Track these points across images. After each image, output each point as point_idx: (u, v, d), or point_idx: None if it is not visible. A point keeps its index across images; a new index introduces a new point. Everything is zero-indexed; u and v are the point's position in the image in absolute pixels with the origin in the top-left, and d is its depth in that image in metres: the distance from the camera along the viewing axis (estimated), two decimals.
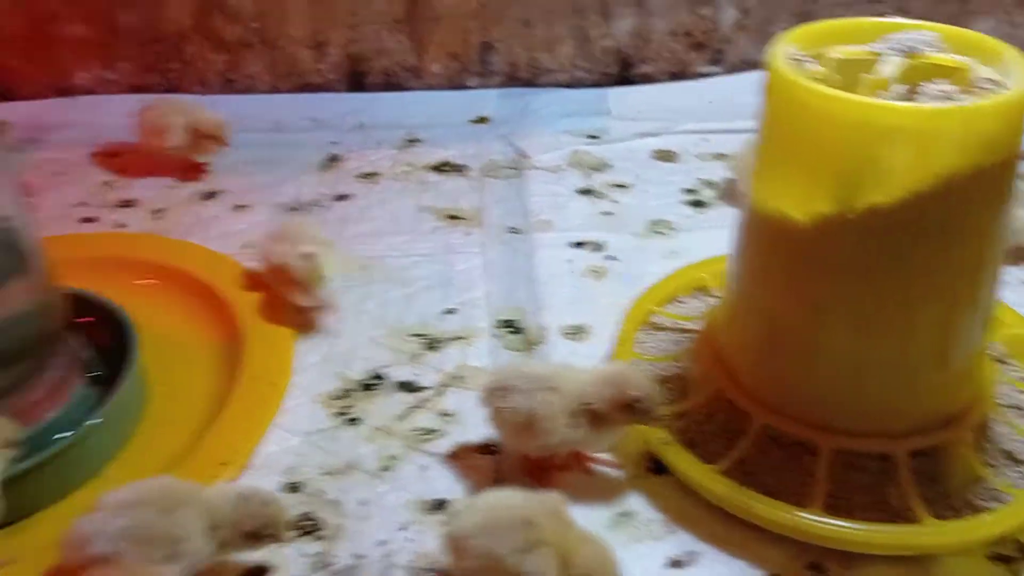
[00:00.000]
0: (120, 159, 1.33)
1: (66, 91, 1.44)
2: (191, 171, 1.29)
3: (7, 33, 1.42)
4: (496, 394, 0.79)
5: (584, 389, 0.77)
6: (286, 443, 0.87)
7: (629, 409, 0.76)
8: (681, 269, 1.02)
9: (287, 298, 0.97)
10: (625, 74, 1.47)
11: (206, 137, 1.25)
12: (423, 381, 0.93)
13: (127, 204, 1.24)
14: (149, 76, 1.47)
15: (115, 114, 1.42)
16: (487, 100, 1.45)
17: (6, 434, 0.73)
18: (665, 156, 1.32)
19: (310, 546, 0.77)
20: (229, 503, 0.68)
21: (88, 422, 0.81)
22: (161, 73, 1.46)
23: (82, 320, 0.90)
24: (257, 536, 0.68)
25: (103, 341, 0.92)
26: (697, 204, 1.22)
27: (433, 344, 0.98)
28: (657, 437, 0.79)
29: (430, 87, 1.47)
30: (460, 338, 0.99)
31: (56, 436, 0.82)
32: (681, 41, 1.45)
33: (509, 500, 0.68)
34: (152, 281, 1.03)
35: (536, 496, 0.69)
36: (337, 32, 1.42)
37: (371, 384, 0.93)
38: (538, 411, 0.76)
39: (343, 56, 1.44)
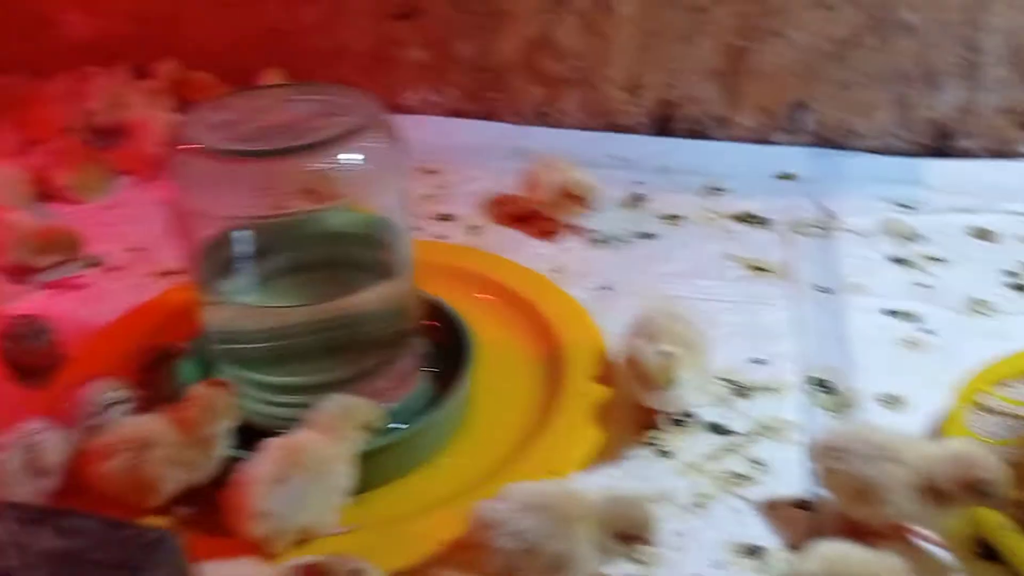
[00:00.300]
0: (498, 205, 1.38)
1: (394, 108, 1.56)
2: (548, 229, 1.29)
3: (355, 49, 1.57)
4: (831, 455, 0.78)
5: (929, 464, 0.75)
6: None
7: (974, 490, 0.74)
8: (1017, 354, 0.97)
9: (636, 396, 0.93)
10: (941, 146, 1.42)
11: (573, 198, 1.25)
12: (733, 426, 0.94)
13: (445, 218, 1.34)
14: (470, 102, 1.57)
15: (435, 134, 1.54)
16: (794, 157, 1.45)
17: (371, 416, 0.81)
18: (983, 234, 1.27)
19: (631, 568, 0.79)
20: (602, 503, 0.71)
21: (429, 413, 0.88)
22: (481, 100, 1.57)
23: (428, 322, 0.97)
24: (627, 537, 0.71)
25: (440, 340, 1.00)
26: (1019, 288, 1.16)
27: (742, 391, 0.99)
28: (995, 522, 0.76)
29: (735, 138, 1.48)
30: (770, 389, 0.99)
31: (395, 423, 0.90)
32: (1007, 118, 1.39)
33: (856, 555, 0.68)
34: (488, 297, 1.10)
35: (881, 556, 0.69)
36: (654, 77, 1.47)
37: (681, 420, 0.95)
38: (878, 480, 0.75)
39: (655, 100, 1.49)
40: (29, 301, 1.18)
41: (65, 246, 1.23)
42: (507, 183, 1.40)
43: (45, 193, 1.41)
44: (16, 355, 1.02)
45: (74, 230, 1.25)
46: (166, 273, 1.24)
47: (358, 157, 0.80)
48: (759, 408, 0.96)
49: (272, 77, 1.55)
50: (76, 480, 0.83)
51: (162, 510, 0.81)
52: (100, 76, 1.62)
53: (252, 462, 0.76)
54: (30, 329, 1.03)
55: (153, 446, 0.78)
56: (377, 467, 0.83)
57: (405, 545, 0.78)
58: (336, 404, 0.79)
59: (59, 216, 1.36)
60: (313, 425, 0.79)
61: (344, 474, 0.78)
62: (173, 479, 0.79)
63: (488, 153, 1.51)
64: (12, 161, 1.48)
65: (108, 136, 1.56)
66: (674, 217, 1.32)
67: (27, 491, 0.79)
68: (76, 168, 1.40)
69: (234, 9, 1.61)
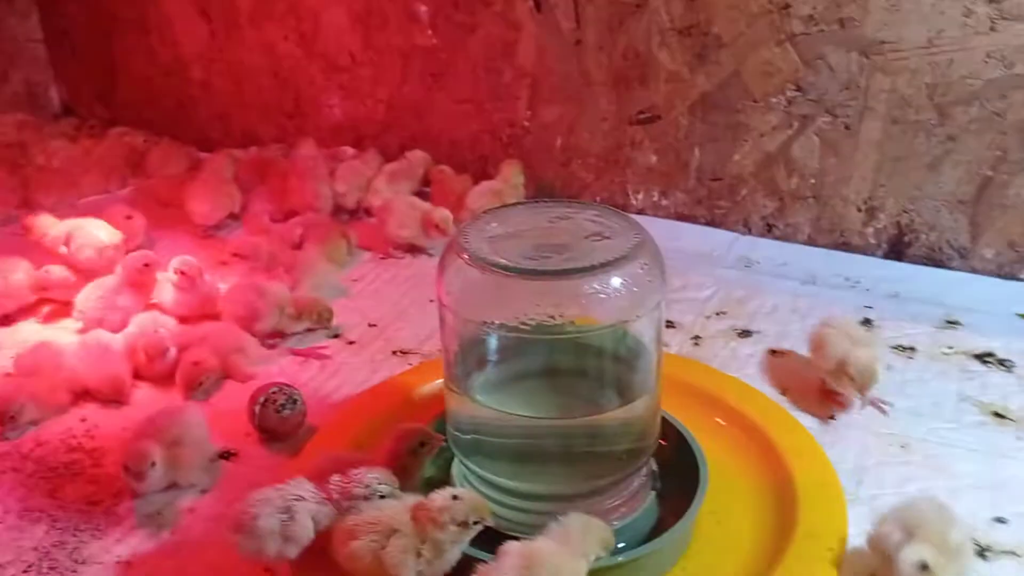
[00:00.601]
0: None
1: (623, 208, 1.60)
2: (829, 401, 1.17)
3: (589, 149, 1.63)
4: None
5: None
6: None
7: None
8: None
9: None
10: None
11: (848, 376, 1.12)
12: None
13: (668, 324, 1.35)
14: (697, 208, 1.59)
15: (659, 237, 1.53)
16: None
17: (608, 539, 0.82)
18: None
19: None
20: None
21: (654, 537, 0.88)
22: (708, 208, 1.58)
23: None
24: None
25: (664, 458, 1.00)
26: None
27: (982, 552, 0.94)
28: None
29: (975, 270, 1.42)
30: (1014, 554, 0.93)
31: (620, 543, 0.90)
32: None
33: None
34: (717, 418, 1.09)
35: None
36: (894, 201, 1.44)
37: None
38: None
39: (892, 223, 1.45)
40: (276, 366, 1.28)
41: (318, 315, 1.33)
42: (733, 295, 1.40)
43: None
44: (267, 420, 1.10)
45: (326, 301, 1.35)
46: (401, 352, 1.31)
47: (625, 281, 0.83)
48: (1000, 573, 0.91)
49: (508, 170, 1.63)
50: (319, 549, 0.89)
51: None
52: (352, 158, 1.75)
53: (491, 565, 0.78)
54: (285, 397, 1.11)
55: (397, 534, 0.82)
56: None
57: None
58: (577, 520, 0.80)
59: (301, 288, 1.46)
60: (551, 536, 0.80)
61: None
62: (413, 569, 0.82)
63: (713, 260, 1.52)
64: (265, 229, 1.61)
65: (353, 213, 1.69)
66: (906, 348, 1.27)
67: (273, 550, 0.86)
68: (323, 242, 1.51)
69: (479, 104, 1.71)
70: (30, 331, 1.38)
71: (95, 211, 1.72)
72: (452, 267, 0.86)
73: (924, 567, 0.82)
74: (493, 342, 0.90)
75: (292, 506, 0.86)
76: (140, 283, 1.37)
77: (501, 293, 0.83)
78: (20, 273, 1.40)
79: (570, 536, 0.80)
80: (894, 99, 1.39)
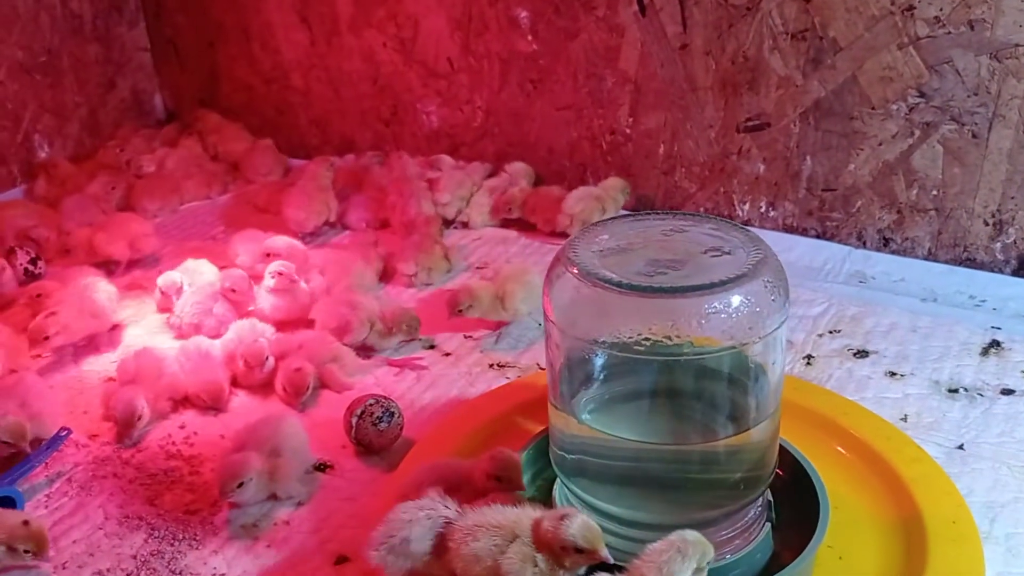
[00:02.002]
0: None
1: (728, 219, 1.53)
2: None
3: (694, 157, 1.57)
4: None
5: None
6: None
7: None
8: None
9: None
10: None
11: None
12: None
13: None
14: (807, 220, 1.51)
15: None
16: None
17: (706, 554, 0.76)
18: None
19: None
20: None
21: (771, 572, 0.82)
22: (820, 220, 1.50)
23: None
24: None
25: (776, 484, 0.94)
26: None
27: None
28: None
29: None
30: None
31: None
32: None
33: None
34: (837, 446, 1.02)
35: None
36: None
37: None
38: None
39: (1022, 238, 1.36)
40: (372, 377, 1.26)
41: (407, 327, 1.31)
42: (847, 312, 1.33)
43: (386, 273, 1.51)
44: (364, 433, 1.08)
45: (414, 312, 1.33)
46: (499, 365, 1.28)
47: (746, 299, 0.77)
48: None
49: (612, 184, 1.59)
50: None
51: None
52: (451, 167, 1.73)
53: None
54: (382, 410, 1.08)
55: (518, 541, 0.78)
56: None
57: None
58: (678, 537, 0.75)
59: (398, 299, 1.45)
60: (647, 558, 0.76)
61: None
62: None
63: (824, 275, 1.44)
64: (364, 239, 1.60)
65: (451, 224, 1.67)
66: None
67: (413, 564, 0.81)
68: (421, 253, 1.49)
69: (579, 110, 1.66)
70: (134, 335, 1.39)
71: (196, 222, 1.76)
72: (560, 281, 0.82)
73: None
74: (601, 361, 0.86)
75: (440, 529, 0.82)
76: (234, 299, 1.37)
77: (612, 311, 0.78)
78: None
79: (665, 558, 0.75)
80: None
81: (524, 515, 0.80)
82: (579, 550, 0.76)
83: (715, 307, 0.76)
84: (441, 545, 0.82)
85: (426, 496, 0.85)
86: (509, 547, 0.78)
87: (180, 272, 1.43)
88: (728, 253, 0.81)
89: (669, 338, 0.78)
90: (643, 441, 0.84)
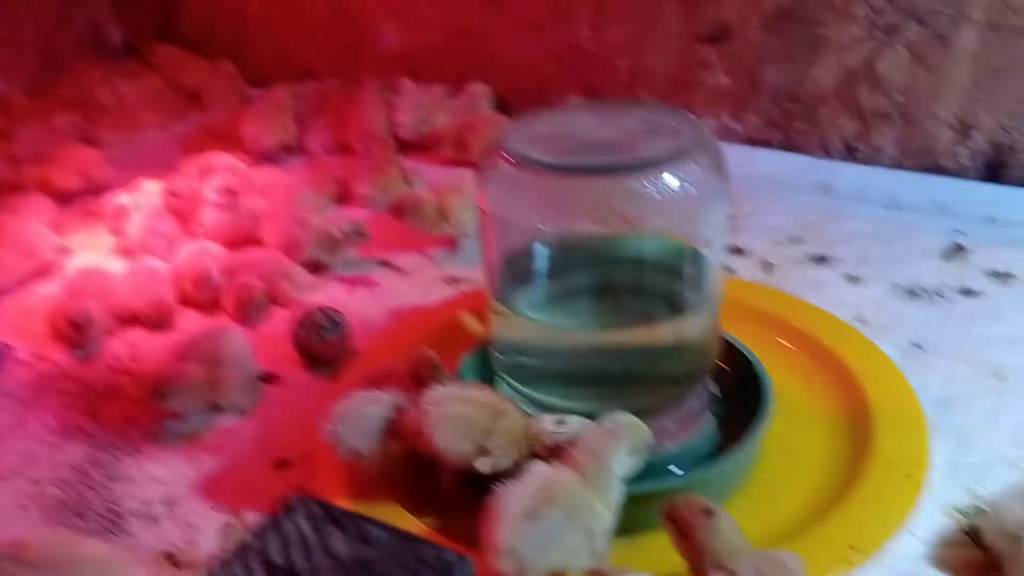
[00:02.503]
0: None
1: None
2: None
3: (657, 71, 1.53)
4: None
5: None
6: (906, 546, 0.79)
7: None
8: None
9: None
10: None
11: None
12: None
13: (737, 251, 1.26)
14: (771, 132, 1.48)
15: (732, 163, 1.43)
16: None
17: (639, 436, 0.75)
18: None
19: None
20: None
21: (712, 461, 0.81)
22: (784, 131, 1.47)
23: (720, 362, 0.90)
24: None
25: (727, 383, 0.93)
26: None
27: None
28: None
29: None
30: None
31: (677, 465, 0.84)
32: None
33: None
34: (785, 342, 1.01)
35: None
36: (991, 117, 1.31)
37: None
38: None
39: (988, 143, 1.33)
40: (325, 293, 1.24)
41: (353, 230, 1.27)
42: (808, 221, 1.30)
43: (344, 196, 1.48)
44: (309, 343, 1.06)
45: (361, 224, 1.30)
46: (453, 279, 1.25)
47: (682, 181, 0.74)
48: None
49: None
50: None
51: None
52: (411, 90, 1.69)
53: (506, 491, 0.71)
54: (328, 320, 1.06)
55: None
56: (652, 510, 0.77)
57: None
58: (609, 421, 0.74)
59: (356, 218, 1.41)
60: (581, 445, 0.74)
61: (602, 516, 0.72)
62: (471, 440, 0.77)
63: (788, 187, 1.41)
64: (320, 162, 1.57)
65: (411, 146, 1.63)
66: (1003, 275, 1.16)
67: (380, 449, 0.80)
68: (377, 174, 1.46)
69: (540, 27, 1.62)
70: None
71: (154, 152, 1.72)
72: (491, 169, 0.79)
73: None
74: (538, 251, 0.83)
75: (400, 405, 0.82)
76: (180, 211, 1.34)
77: (544, 194, 0.76)
78: None
79: (600, 442, 0.73)
80: (994, 3, 1.26)
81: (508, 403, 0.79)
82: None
83: (649, 186, 0.74)
84: (407, 429, 0.80)
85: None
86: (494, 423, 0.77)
87: (133, 194, 1.40)
88: (664, 135, 0.78)
89: (605, 222, 0.75)
90: (581, 330, 0.82)
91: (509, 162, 0.77)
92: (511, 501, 0.70)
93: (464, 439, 0.76)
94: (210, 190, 1.32)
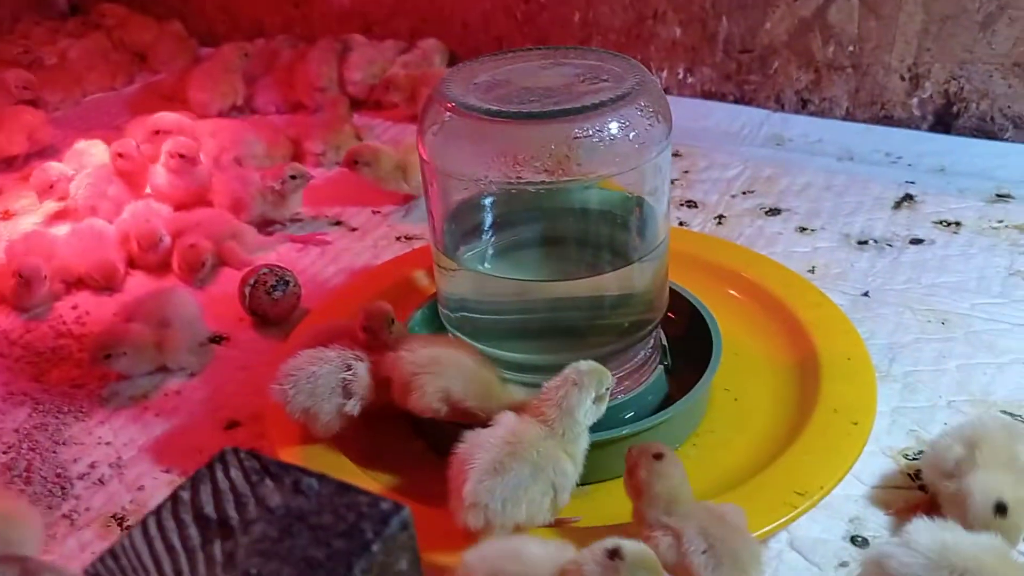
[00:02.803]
0: None
1: None
2: None
3: (609, 24, 1.52)
4: None
5: None
6: (852, 490, 0.80)
7: None
8: None
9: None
10: None
11: None
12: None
13: (690, 204, 1.26)
14: (725, 85, 1.48)
15: (686, 116, 1.46)
16: None
17: (602, 381, 0.74)
18: None
19: None
20: None
21: (663, 410, 0.81)
22: (738, 84, 1.47)
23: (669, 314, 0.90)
24: None
25: (678, 334, 0.93)
26: None
27: None
28: None
29: None
30: None
31: (626, 415, 0.84)
32: None
33: None
34: (735, 293, 1.01)
35: None
36: (941, 67, 1.31)
37: None
38: None
39: (939, 92, 1.33)
40: (275, 253, 1.22)
41: (295, 175, 1.25)
42: (762, 174, 1.30)
43: (296, 154, 1.46)
44: (258, 303, 1.05)
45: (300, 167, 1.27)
46: (406, 238, 1.24)
47: (623, 126, 0.73)
48: None
49: None
50: None
51: None
52: (363, 46, 1.66)
53: (471, 444, 0.71)
54: (276, 279, 1.05)
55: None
56: (602, 460, 0.77)
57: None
58: (572, 370, 0.73)
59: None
60: (545, 396, 0.74)
61: (567, 470, 0.71)
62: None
63: (741, 140, 1.41)
64: (272, 121, 1.55)
65: (363, 103, 1.61)
66: (951, 224, 1.17)
67: (331, 408, 0.79)
68: (330, 132, 1.44)
69: None
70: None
71: (99, 113, 1.68)
72: (432, 118, 0.78)
73: (1001, 509, 0.69)
74: (483, 203, 0.82)
75: (352, 363, 0.80)
76: (128, 172, 1.31)
77: (485, 141, 0.74)
78: None
79: (563, 391, 0.72)
80: None
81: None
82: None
83: (588, 131, 0.73)
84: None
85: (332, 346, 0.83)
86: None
87: (71, 155, 1.37)
88: (606, 81, 0.77)
89: (546, 169, 0.74)
90: (527, 279, 0.81)
91: (448, 109, 0.75)
92: (478, 454, 0.69)
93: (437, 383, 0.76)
94: (162, 153, 1.29)
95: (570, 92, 0.76)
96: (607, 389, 0.74)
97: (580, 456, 0.73)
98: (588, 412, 0.73)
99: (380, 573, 0.44)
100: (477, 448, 0.70)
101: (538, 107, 0.73)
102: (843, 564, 0.74)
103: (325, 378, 0.80)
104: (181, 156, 1.27)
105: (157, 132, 1.38)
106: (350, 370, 0.80)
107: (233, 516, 0.46)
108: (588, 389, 0.73)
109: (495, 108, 0.73)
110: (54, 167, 1.35)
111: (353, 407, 0.80)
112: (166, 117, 1.42)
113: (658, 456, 0.69)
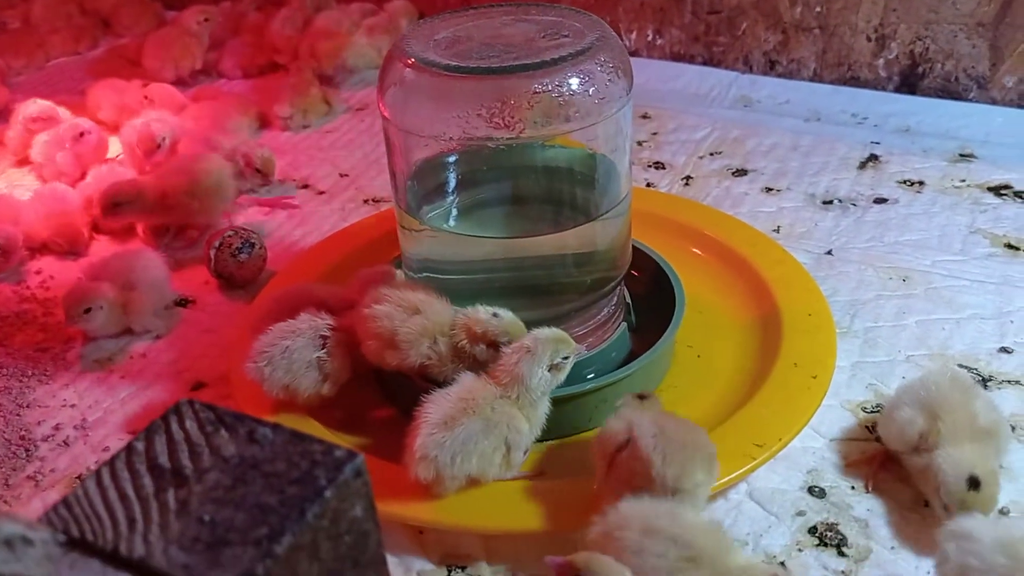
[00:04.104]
0: None
1: None
2: None
3: None
4: None
5: None
6: (811, 442, 0.82)
7: None
8: None
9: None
10: None
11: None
12: None
13: (658, 166, 1.26)
14: (694, 46, 1.48)
15: (654, 78, 1.47)
16: None
17: (559, 350, 0.74)
18: None
19: (833, 560, 0.71)
20: None
21: (623, 371, 0.82)
22: (707, 46, 1.47)
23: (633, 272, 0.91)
24: None
25: (642, 292, 0.94)
26: None
27: (984, 381, 0.87)
28: None
29: (994, 101, 1.31)
30: (1018, 383, 0.87)
31: (588, 372, 0.84)
32: None
33: None
34: (699, 251, 1.01)
35: None
36: (907, 27, 1.32)
37: None
38: None
39: (904, 53, 1.34)
40: (242, 217, 1.21)
41: (263, 163, 1.24)
42: (729, 135, 1.31)
43: (263, 119, 1.44)
44: (223, 265, 1.04)
45: (269, 152, 1.27)
46: (373, 200, 1.24)
47: (583, 81, 0.73)
48: (1002, 402, 0.83)
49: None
50: None
51: None
52: (330, 8, 1.64)
53: (427, 401, 0.72)
54: (242, 241, 1.04)
55: (421, 315, 0.76)
56: (565, 416, 0.78)
57: (584, 501, 0.72)
58: (529, 338, 0.74)
59: (273, 142, 1.38)
60: (501, 364, 0.74)
61: (522, 429, 0.72)
62: (422, 353, 0.76)
63: (710, 101, 1.42)
64: (239, 85, 1.53)
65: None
66: (915, 183, 1.18)
67: (310, 382, 0.79)
68: (296, 95, 1.42)
69: None
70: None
71: (63, 78, 1.66)
72: (392, 75, 0.78)
73: (974, 483, 0.69)
74: (444, 162, 0.82)
75: (325, 334, 0.80)
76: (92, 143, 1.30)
77: (444, 98, 0.74)
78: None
79: (525, 357, 0.73)
80: None
81: (433, 300, 0.78)
82: (496, 344, 0.75)
83: (547, 86, 0.73)
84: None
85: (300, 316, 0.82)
86: (410, 319, 0.75)
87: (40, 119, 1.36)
88: (566, 36, 0.77)
89: (507, 126, 0.74)
90: (488, 238, 0.81)
91: (408, 66, 0.75)
92: (431, 409, 0.70)
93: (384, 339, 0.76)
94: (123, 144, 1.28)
95: (530, 47, 0.75)
96: (565, 358, 0.74)
97: (537, 419, 0.73)
98: (541, 380, 0.72)
99: (334, 519, 0.45)
100: (431, 404, 0.71)
101: (497, 62, 0.73)
102: (800, 513, 0.75)
103: (300, 352, 0.79)
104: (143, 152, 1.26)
105: (147, 98, 1.40)
106: (324, 347, 0.79)
107: (187, 465, 0.47)
108: (541, 357, 0.72)
109: (454, 64, 0.73)
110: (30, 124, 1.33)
111: (330, 390, 0.80)
112: (157, 88, 1.43)
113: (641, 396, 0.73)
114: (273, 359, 0.78)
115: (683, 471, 0.65)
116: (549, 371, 0.73)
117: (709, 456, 0.67)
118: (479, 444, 0.70)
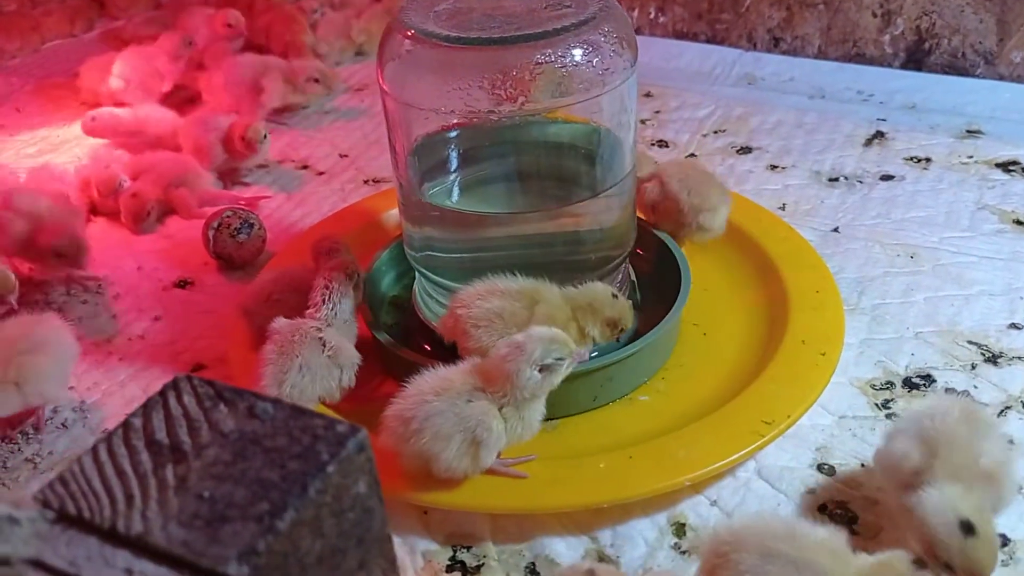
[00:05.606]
0: None
1: None
2: None
3: None
4: None
5: None
6: (820, 420, 0.80)
7: None
8: None
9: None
10: None
11: None
12: (980, 396, 0.81)
13: (662, 144, 1.25)
14: (697, 24, 1.46)
15: (657, 56, 1.45)
16: None
17: (552, 350, 0.69)
18: None
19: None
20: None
21: (628, 348, 0.81)
22: (710, 23, 1.45)
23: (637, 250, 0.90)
24: None
25: (647, 271, 0.92)
26: None
27: (993, 358, 0.86)
28: None
29: (1001, 77, 1.29)
30: None
31: (592, 350, 0.83)
32: None
33: None
34: None
35: None
36: (913, 2, 1.30)
37: (917, 383, 0.83)
38: None
39: (911, 29, 1.32)
40: (243, 196, 1.20)
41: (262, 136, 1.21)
42: (733, 113, 1.29)
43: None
44: (222, 246, 1.03)
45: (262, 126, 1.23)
46: (373, 180, 1.22)
47: (587, 52, 0.72)
48: (1014, 379, 0.83)
49: None
50: None
51: None
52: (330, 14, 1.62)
53: (416, 377, 0.70)
54: (240, 222, 1.03)
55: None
56: (570, 394, 0.77)
57: (590, 481, 0.71)
58: (522, 335, 0.69)
59: (276, 124, 1.37)
60: (493, 358, 0.69)
61: (491, 425, 0.67)
62: None
63: (713, 79, 1.40)
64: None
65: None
66: (921, 160, 1.17)
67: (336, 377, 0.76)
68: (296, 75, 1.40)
69: None
70: None
71: (58, 60, 1.64)
72: (392, 47, 0.76)
73: (968, 528, 0.59)
74: (446, 136, 0.81)
75: (327, 340, 0.76)
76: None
77: (445, 69, 0.73)
78: None
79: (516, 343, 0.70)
80: None
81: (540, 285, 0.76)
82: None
83: (550, 57, 0.71)
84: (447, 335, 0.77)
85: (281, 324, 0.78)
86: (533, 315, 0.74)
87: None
88: (569, 7, 0.75)
89: (509, 98, 0.73)
90: (492, 214, 0.80)
91: (408, 38, 0.73)
92: (412, 384, 0.69)
93: (501, 335, 0.72)
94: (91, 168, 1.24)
95: (532, 18, 0.74)
96: (559, 359, 0.68)
97: (524, 420, 0.69)
98: (530, 380, 0.67)
99: (336, 495, 0.44)
100: (416, 379, 0.69)
101: (499, 33, 0.71)
102: (810, 491, 0.74)
103: (310, 359, 0.74)
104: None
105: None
106: (324, 347, 0.75)
107: (185, 441, 0.45)
108: (531, 356, 0.67)
109: (455, 35, 0.71)
110: None
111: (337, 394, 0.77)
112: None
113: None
114: (294, 381, 0.74)
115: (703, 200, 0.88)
116: (540, 372, 0.68)
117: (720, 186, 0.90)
118: (441, 428, 0.66)
